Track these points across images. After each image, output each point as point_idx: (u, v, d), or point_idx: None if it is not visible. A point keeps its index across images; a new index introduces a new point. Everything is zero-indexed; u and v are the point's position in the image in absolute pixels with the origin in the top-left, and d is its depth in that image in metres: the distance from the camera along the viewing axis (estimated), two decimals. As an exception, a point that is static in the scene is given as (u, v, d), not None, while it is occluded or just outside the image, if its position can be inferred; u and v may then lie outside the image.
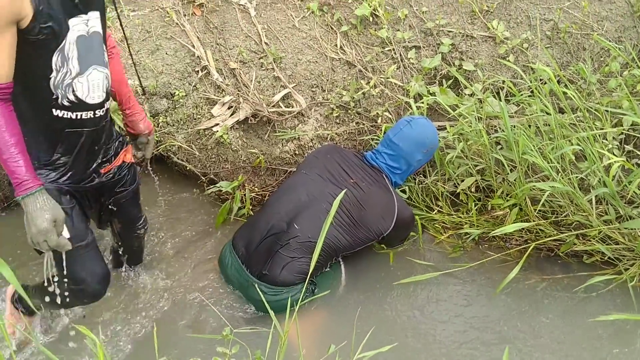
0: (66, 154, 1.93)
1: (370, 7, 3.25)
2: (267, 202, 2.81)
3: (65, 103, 1.82)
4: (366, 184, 2.67)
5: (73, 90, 1.82)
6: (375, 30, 3.29)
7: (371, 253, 2.93)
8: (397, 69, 3.23)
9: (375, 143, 3.15)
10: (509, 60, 3.13)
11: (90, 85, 1.86)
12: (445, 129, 3.01)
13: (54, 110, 1.82)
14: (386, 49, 3.27)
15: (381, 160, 2.76)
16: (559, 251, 2.82)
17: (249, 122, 3.13)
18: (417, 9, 3.36)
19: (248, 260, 2.58)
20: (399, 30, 3.30)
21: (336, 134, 3.17)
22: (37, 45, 1.66)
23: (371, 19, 3.30)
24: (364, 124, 3.20)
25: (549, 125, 2.79)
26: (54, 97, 1.79)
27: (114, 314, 2.67)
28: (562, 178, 2.67)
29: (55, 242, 1.77)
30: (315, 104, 3.19)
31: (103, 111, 1.96)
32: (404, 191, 3.07)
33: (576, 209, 2.71)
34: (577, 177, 2.67)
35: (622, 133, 2.82)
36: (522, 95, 2.94)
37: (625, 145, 2.83)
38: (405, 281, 2.75)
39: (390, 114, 3.17)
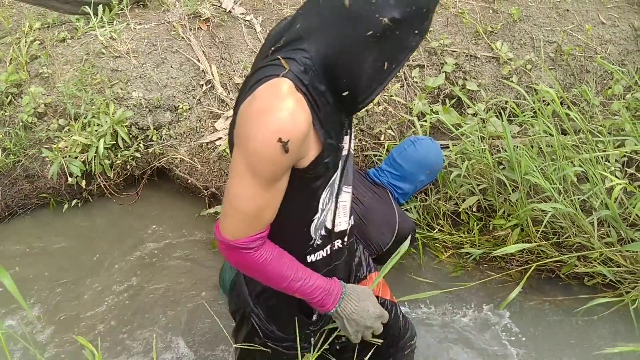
0: None
1: (375, 25, 3.27)
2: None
3: (319, 242, 1.51)
4: (367, 198, 2.66)
5: (325, 222, 1.49)
6: (380, 49, 3.30)
7: (371, 270, 2.91)
8: (400, 87, 3.25)
9: (378, 160, 3.16)
10: (512, 81, 3.14)
11: (339, 210, 1.52)
12: (448, 147, 3.02)
13: (308, 257, 1.51)
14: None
15: (384, 178, 2.76)
16: (560, 272, 2.81)
17: (252, 136, 3.13)
18: (421, 28, 3.38)
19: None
20: (403, 48, 3.32)
21: (339, 150, 3.17)
22: (308, 182, 1.33)
23: (376, 37, 3.31)
24: (367, 141, 3.20)
25: (552, 147, 2.79)
26: (311, 242, 1.48)
27: (114, 326, 2.66)
28: (564, 199, 2.67)
29: (386, 314, 1.57)
30: (318, 120, 3.19)
31: (349, 237, 1.66)
32: (408, 210, 3.06)
33: (578, 230, 2.70)
34: (579, 198, 2.66)
35: (624, 155, 2.82)
36: (525, 115, 2.95)
37: (627, 169, 2.84)
38: (404, 299, 2.71)
39: (393, 132, 3.17)
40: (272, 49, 1.25)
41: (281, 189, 1.27)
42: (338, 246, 1.59)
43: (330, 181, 1.39)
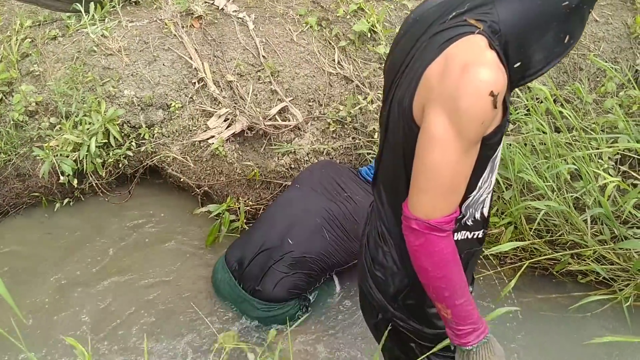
0: None
1: (368, 23, 3.26)
2: (260, 217, 2.79)
3: (469, 222, 1.41)
4: (359, 197, 2.65)
5: (483, 207, 1.41)
6: (373, 46, 3.30)
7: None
8: (394, 85, 3.23)
9: (372, 158, 3.15)
10: (505, 79, 3.13)
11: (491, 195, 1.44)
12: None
13: (455, 233, 1.39)
14: (383, 65, 3.27)
15: (376, 176, 2.75)
16: (554, 270, 2.81)
17: (245, 135, 3.12)
18: (415, 26, 3.37)
19: (241, 276, 2.55)
20: (396, 46, 3.31)
21: (332, 148, 3.16)
22: (481, 152, 1.23)
23: (369, 35, 3.31)
24: (360, 139, 3.19)
25: (545, 144, 2.79)
26: (459, 217, 1.36)
27: (105, 325, 2.65)
28: (558, 197, 2.66)
29: None
30: (311, 118, 3.19)
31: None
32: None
33: (571, 228, 2.70)
34: (572, 196, 2.66)
35: (617, 153, 2.82)
36: (518, 113, 2.95)
37: (620, 166, 2.84)
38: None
39: (387, 130, 3.16)
40: (454, 13, 1.21)
41: (475, 156, 1.20)
42: (480, 235, 1.48)
43: (493, 157, 1.30)
